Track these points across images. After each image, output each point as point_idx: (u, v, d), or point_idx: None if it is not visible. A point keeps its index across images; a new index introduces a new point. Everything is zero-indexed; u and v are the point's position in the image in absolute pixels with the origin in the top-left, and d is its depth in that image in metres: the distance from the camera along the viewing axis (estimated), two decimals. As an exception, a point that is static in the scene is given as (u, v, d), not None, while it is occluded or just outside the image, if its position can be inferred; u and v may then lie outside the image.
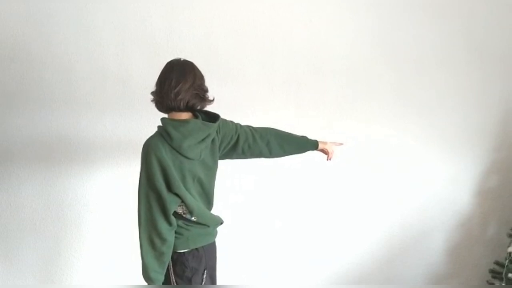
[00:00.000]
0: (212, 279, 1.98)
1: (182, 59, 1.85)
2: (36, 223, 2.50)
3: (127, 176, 2.56)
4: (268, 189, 2.81)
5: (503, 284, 2.85)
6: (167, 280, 1.89)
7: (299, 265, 2.92)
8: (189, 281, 1.87)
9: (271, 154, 2.11)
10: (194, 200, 1.87)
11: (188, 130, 1.80)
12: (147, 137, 1.83)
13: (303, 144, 2.18)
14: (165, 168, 1.77)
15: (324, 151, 2.23)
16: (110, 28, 2.47)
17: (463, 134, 3.12)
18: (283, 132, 2.14)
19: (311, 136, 2.22)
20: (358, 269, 3.04)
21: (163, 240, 1.79)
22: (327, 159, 2.25)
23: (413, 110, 3.00)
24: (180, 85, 1.77)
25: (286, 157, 2.20)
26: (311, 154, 2.23)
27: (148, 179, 1.78)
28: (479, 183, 3.20)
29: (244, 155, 2.06)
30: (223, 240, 2.08)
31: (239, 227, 2.71)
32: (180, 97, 1.77)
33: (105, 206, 2.57)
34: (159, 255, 1.81)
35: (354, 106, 2.89)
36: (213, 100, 1.87)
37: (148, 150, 1.78)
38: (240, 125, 2.05)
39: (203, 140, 1.84)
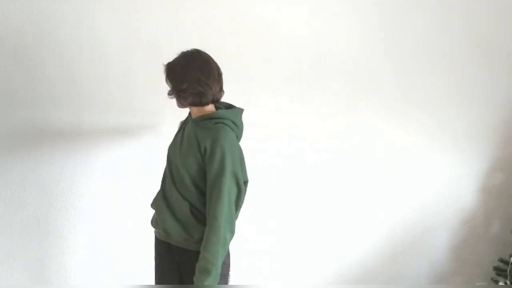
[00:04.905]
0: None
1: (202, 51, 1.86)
2: (39, 221, 2.51)
3: (131, 174, 2.56)
4: (271, 188, 2.81)
5: (507, 281, 2.84)
6: None
7: (301, 263, 2.92)
8: (226, 279, 1.85)
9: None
10: None
11: (238, 118, 1.88)
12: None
13: None
14: (242, 159, 1.79)
15: None
16: (112, 27, 2.47)
17: (467, 132, 3.10)
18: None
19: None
20: (361, 267, 3.03)
21: (232, 235, 1.78)
22: None
23: (417, 107, 2.98)
24: (221, 78, 1.82)
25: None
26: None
27: (234, 175, 1.74)
28: (483, 180, 3.19)
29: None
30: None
31: (242, 225, 2.70)
32: (222, 89, 1.83)
33: (109, 204, 2.57)
34: (223, 252, 1.76)
35: (357, 104, 2.88)
36: None
37: (230, 145, 1.76)
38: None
39: None
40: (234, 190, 1.76)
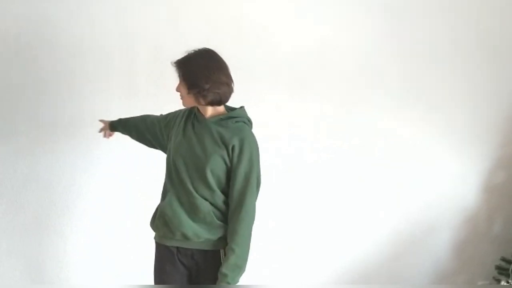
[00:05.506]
0: None
1: None
2: (40, 220, 2.52)
3: (131, 174, 2.57)
4: (271, 188, 2.80)
5: (509, 280, 2.83)
6: None
7: (301, 263, 2.92)
8: None
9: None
10: None
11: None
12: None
13: None
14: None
15: None
16: (112, 27, 2.48)
17: (470, 130, 3.09)
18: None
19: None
20: (363, 266, 3.03)
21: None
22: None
23: (417, 107, 2.98)
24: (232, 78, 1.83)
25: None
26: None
27: (259, 173, 1.81)
28: (485, 179, 3.18)
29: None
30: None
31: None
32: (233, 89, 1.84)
33: (109, 204, 2.58)
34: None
35: (357, 104, 2.87)
36: None
37: (255, 143, 1.82)
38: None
39: None
40: (256, 187, 1.81)
